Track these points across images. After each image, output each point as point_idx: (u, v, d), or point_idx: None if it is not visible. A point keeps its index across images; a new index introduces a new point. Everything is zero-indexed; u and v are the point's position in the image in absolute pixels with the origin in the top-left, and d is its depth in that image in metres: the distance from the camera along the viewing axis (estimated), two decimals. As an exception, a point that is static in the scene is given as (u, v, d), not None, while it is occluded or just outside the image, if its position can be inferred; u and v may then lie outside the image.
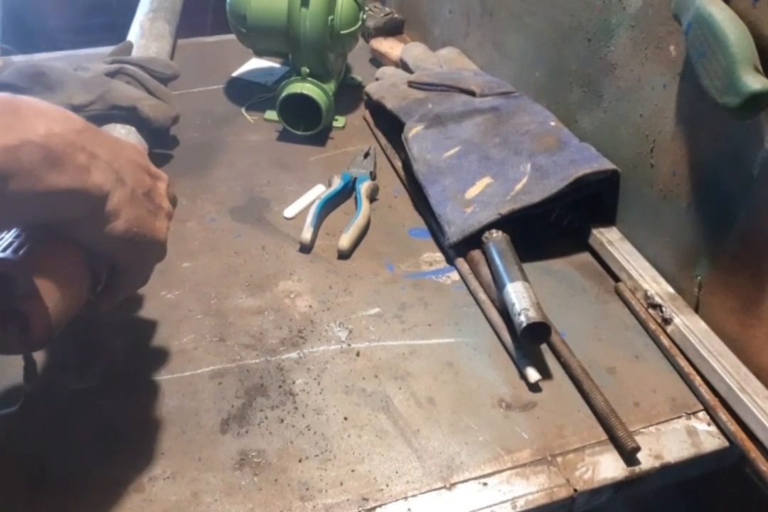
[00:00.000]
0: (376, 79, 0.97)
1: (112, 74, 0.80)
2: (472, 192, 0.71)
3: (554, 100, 0.80)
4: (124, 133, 0.76)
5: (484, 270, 0.66)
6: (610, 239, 0.70)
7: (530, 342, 0.59)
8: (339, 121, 0.93)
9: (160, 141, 0.84)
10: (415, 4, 1.14)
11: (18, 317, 0.37)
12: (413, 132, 0.80)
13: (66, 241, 0.41)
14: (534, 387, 0.57)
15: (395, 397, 0.56)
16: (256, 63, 1.07)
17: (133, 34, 0.99)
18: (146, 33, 0.98)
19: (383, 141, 0.89)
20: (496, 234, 0.66)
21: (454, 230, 0.68)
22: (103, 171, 0.39)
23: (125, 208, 0.41)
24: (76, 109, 0.74)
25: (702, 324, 0.60)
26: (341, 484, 0.50)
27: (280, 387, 0.57)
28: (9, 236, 0.40)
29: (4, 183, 0.33)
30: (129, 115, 0.77)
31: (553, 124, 0.77)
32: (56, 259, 0.40)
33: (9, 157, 0.33)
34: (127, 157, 0.43)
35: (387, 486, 0.50)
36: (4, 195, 0.34)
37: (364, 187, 0.77)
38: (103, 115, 0.76)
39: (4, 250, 0.38)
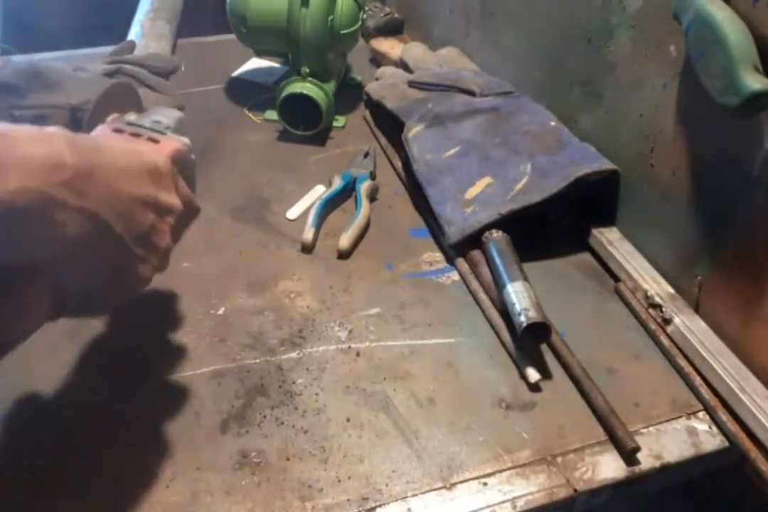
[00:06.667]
0: (376, 79, 0.96)
1: (110, 74, 0.80)
2: (472, 192, 0.71)
3: (554, 100, 0.80)
4: (169, 123, 0.58)
5: (484, 270, 0.66)
6: (610, 239, 0.70)
7: (530, 342, 0.59)
8: (339, 121, 0.93)
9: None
10: (415, 4, 1.14)
11: None
12: (413, 132, 0.80)
13: (28, 270, 0.39)
14: (534, 387, 0.57)
15: (395, 397, 0.56)
16: (256, 63, 1.07)
17: (133, 34, 0.99)
18: (147, 33, 0.98)
19: (383, 141, 0.89)
20: (496, 234, 0.66)
21: (454, 230, 0.68)
22: (84, 225, 0.37)
23: (101, 261, 0.40)
24: (75, 108, 0.74)
25: (702, 324, 0.60)
26: (341, 484, 0.50)
27: (280, 387, 0.57)
28: None
29: None
30: None
31: (553, 124, 0.77)
32: (12, 289, 0.39)
33: None
34: (129, 196, 0.40)
35: (387, 486, 0.50)
36: None
37: (364, 187, 0.77)
38: None
39: None
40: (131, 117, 0.52)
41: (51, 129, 0.37)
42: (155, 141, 0.47)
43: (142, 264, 0.43)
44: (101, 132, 0.48)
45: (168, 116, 0.54)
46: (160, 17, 1.02)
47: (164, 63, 0.85)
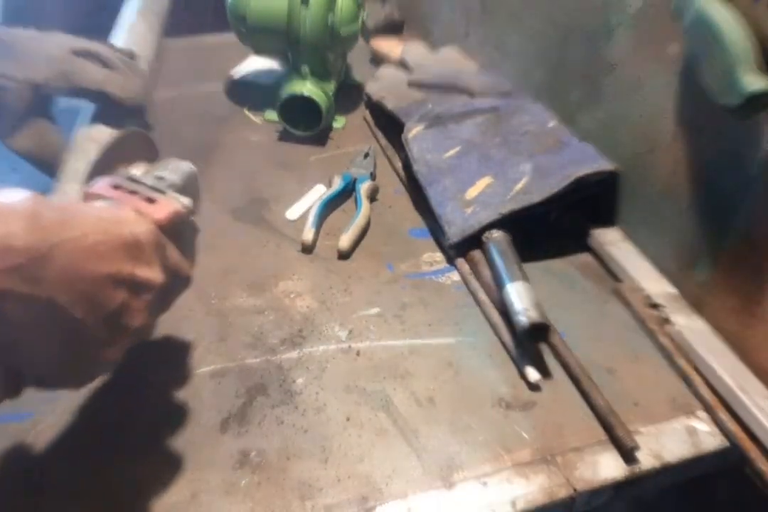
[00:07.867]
0: (376, 79, 0.97)
1: (80, 54, 0.75)
2: (472, 192, 0.71)
3: (554, 100, 0.80)
4: (174, 179, 0.53)
5: (485, 271, 0.66)
6: (611, 239, 0.70)
7: (530, 342, 0.59)
8: (339, 121, 0.93)
9: (141, 121, 0.82)
10: (415, 4, 1.14)
11: None
12: (413, 132, 0.80)
13: None
14: (534, 387, 0.57)
15: (395, 397, 0.56)
16: (256, 63, 1.07)
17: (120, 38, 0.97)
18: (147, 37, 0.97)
19: (383, 141, 0.89)
20: (496, 234, 0.66)
21: (454, 230, 0.68)
22: (31, 313, 0.34)
23: (55, 346, 0.36)
24: (38, 86, 0.71)
25: (702, 324, 0.60)
26: (341, 483, 0.50)
27: (280, 386, 0.57)
28: None
29: None
30: (97, 98, 0.72)
31: (552, 124, 0.77)
32: None
33: None
34: (96, 275, 0.36)
35: (387, 485, 0.50)
36: None
37: (364, 188, 0.77)
38: (69, 94, 0.71)
39: None
40: (138, 170, 0.49)
41: (15, 199, 0.35)
42: (152, 201, 0.45)
43: (106, 349, 0.39)
44: (97, 187, 0.45)
45: (175, 171, 0.52)
46: (156, 32, 1.00)
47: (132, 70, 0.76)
